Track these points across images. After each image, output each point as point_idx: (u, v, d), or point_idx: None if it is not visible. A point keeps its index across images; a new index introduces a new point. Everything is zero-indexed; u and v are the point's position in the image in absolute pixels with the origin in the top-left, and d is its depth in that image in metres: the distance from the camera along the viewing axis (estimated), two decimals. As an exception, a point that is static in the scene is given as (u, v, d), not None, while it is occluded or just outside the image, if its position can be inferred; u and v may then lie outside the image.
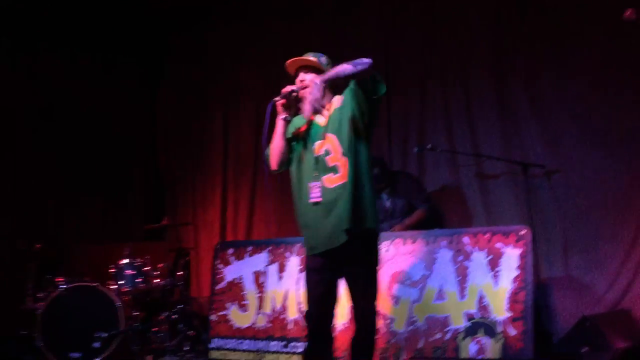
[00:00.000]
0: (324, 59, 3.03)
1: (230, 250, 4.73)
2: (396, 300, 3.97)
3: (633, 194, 4.18)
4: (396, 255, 4.06)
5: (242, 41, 6.15)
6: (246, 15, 6.13)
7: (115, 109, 6.15)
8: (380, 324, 3.90)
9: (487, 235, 3.81)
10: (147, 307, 5.00)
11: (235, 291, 4.59)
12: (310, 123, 3.05)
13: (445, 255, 3.89)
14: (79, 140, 5.91)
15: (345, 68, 2.75)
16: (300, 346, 3.07)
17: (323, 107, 2.95)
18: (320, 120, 3.02)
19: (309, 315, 3.01)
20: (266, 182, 5.40)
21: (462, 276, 3.80)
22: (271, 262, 4.48)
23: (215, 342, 4.52)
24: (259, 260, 4.52)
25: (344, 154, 2.89)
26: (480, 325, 3.66)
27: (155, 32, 6.55)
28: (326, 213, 2.89)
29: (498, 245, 3.75)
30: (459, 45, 4.99)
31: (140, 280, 4.77)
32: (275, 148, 3.02)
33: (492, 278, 3.71)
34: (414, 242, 4.03)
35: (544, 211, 4.52)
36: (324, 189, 2.90)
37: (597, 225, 4.33)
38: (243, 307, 4.51)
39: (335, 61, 2.94)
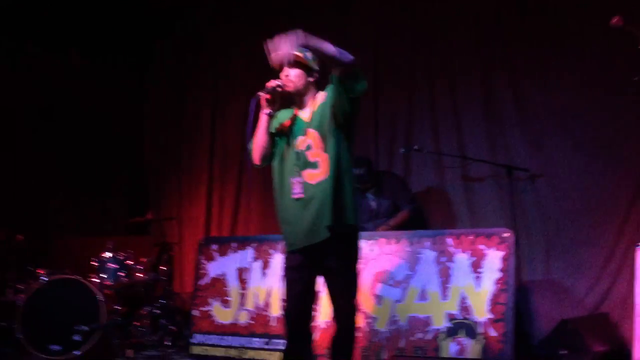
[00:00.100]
0: (309, 54, 2.98)
1: (215, 246, 4.72)
2: (379, 299, 3.98)
3: (614, 199, 4.23)
4: (380, 254, 4.07)
5: (231, 38, 6.14)
6: (236, 12, 6.11)
7: (100, 102, 6.11)
8: (362, 322, 3.92)
9: (471, 237, 3.84)
10: (129, 301, 4.98)
11: (218, 287, 4.58)
12: (294, 118, 3.04)
13: (428, 255, 3.92)
14: (63, 133, 5.87)
15: (328, 46, 2.71)
16: (282, 343, 3.08)
17: (300, 96, 2.97)
18: (304, 115, 3.01)
19: (287, 314, 3.01)
20: (247, 175, 5.35)
21: (445, 277, 3.83)
22: (255, 259, 4.48)
23: (197, 338, 4.51)
24: (243, 256, 4.52)
25: (324, 150, 2.89)
26: (462, 325, 3.69)
27: (143, 29, 6.51)
28: (306, 209, 2.89)
29: (481, 247, 3.78)
30: (447, 48, 5.02)
31: (123, 274, 4.75)
32: (258, 142, 3.01)
33: (475, 279, 3.74)
34: (397, 242, 4.05)
35: (526, 214, 4.56)
36: (305, 185, 2.89)
37: (578, 229, 4.38)
38: (226, 303, 4.51)
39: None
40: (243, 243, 4.60)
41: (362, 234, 4.23)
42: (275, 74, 3.05)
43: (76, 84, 5.88)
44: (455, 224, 4.83)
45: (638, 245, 3.51)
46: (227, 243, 4.71)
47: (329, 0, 5.65)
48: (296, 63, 2.99)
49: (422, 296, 3.87)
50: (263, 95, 2.94)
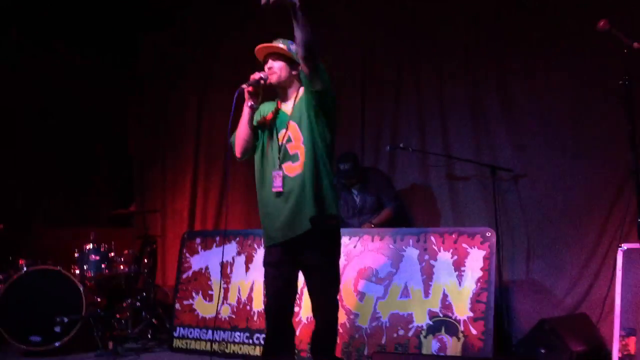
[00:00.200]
0: (294, 47, 2.97)
1: (198, 240, 4.71)
2: (361, 296, 4.00)
3: (596, 201, 4.28)
4: (364, 251, 4.09)
5: (219, 30, 6.11)
6: (224, 4, 6.08)
7: (83, 94, 6.06)
8: (344, 318, 3.93)
9: (454, 236, 3.87)
10: (110, 293, 4.95)
11: (201, 281, 4.57)
12: (277, 111, 3.04)
13: (412, 253, 3.94)
14: (46, 123, 5.81)
15: (310, 31, 2.69)
16: (264, 338, 3.11)
17: (284, 89, 2.97)
18: (286, 108, 3.01)
19: (267, 310, 3.02)
20: (226, 169, 5.32)
21: (428, 275, 3.85)
22: (239, 253, 4.47)
23: (179, 331, 4.50)
24: (227, 250, 4.51)
25: (303, 142, 2.89)
26: (443, 323, 3.72)
27: (128, 23, 6.45)
28: (286, 202, 2.89)
29: (464, 245, 3.81)
30: (435, 48, 5.03)
31: (104, 266, 4.72)
32: (240, 135, 3.00)
33: (457, 278, 3.77)
34: (381, 239, 4.07)
35: (509, 214, 4.60)
36: (285, 178, 2.90)
37: (559, 230, 4.42)
38: (208, 297, 4.50)
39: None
40: (227, 237, 4.59)
41: (347, 230, 4.29)
42: (260, 67, 3.04)
43: (62, 76, 5.81)
44: (439, 223, 4.86)
45: (620, 247, 3.56)
46: (211, 237, 4.70)
47: (315, 2, 5.63)
48: (280, 56, 2.98)
49: (405, 293, 3.89)
50: (246, 88, 2.93)
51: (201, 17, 6.25)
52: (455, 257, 3.81)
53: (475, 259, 3.75)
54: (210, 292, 4.50)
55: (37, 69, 5.72)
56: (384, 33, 5.30)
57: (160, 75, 6.47)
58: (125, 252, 4.93)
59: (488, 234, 3.78)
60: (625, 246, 3.56)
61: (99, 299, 4.70)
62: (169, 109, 6.39)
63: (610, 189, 4.22)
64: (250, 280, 4.36)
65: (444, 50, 5.00)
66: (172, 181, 6.29)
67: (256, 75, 2.95)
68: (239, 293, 4.37)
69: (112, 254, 4.81)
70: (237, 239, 4.52)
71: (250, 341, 4.21)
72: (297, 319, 4.01)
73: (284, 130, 2.96)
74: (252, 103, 2.97)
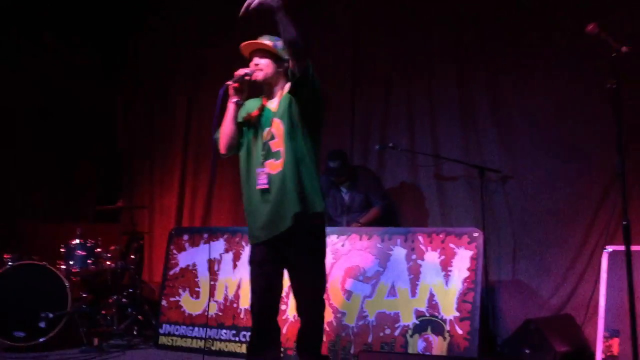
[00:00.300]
0: (280, 44, 2.95)
1: (186, 236, 4.69)
2: (348, 294, 4.00)
3: (582, 202, 4.32)
4: (351, 250, 4.09)
5: (209, 27, 6.09)
6: (213, 3, 6.06)
7: (71, 88, 6.02)
8: (331, 317, 3.94)
9: (441, 236, 3.88)
10: (96, 289, 4.92)
11: (188, 277, 4.56)
12: (262, 108, 3.02)
13: (399, 253, 3.95)
14: (34, 117, 5.76)
15: (292, 29, 2.70)
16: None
17: (271, 87, 2.96)
18: (272, 105, 3.00)
19: (252, 308, 3.01)
20: (213, 166, 5.30)
21: (415, 274, 3.86)
22: (226, 250, 4.46)
23: (165, 328, 4.48)
24: (214, 247, 4.50)
25: (285, 140, 2.88)
26: (429, 323, 3.73)
27: (119, 18, 6.42)
28: (269, 200, 2.88)
29: (451, 245, 3.82)
30: (425, 49, 5.05)
31: (90, 261, 4.69)
32: (225, 131, 2.98)
33: (444, 278, 3.79)
34: (369, 238, 4.08)
35: (496, 215, 4.63)
36: (269, 175, 2.88)
37: (546, 231, 4.46)
38: (195, 294, 4.48)
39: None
40: (215, 234, 4.58)
41: (335, 228, 4.30)
42: (247, 63, 3.03)
43: (50, 70, 5.77)
44: (426, 222, 4.88)
45: (606, 249, 3.59)
46: (199, 233, 4.69)
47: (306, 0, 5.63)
48: (265, 52, 2.96)
49: (392, 292, 3.90)
50: (231, 84, 2.92)
51: (191, 16, 6.22)
52: (443, 257, 3.82)
53: (462, 259, 3.76)
54: (197, 289, 4.49)
55: (37, 69, 5.69)
56: (374, 33, 5.31)
57: (149, 74, 6.43)
58: (112, 247, 4.91)
59: (475, 234, 3.79)
60: (610, 248, 3.60)
61: (84, 295, 4.67)
62: (158, 106, 6.36)
63: (597, 191, 4.25)
64: (237, 278, 4.35)
65: (434, 51, 5.01)
66: (160, 178, 6.26)
67: (241, 72, 2.92)
68: (226, 290, 4.37)
69: (99, 249, 4.78)
70: (225, 236, 4.51)
71: (237, 339, 4.20)
72: (283, 317, 4.01)
73: (269, 128, 2.95)
74: (237, 99, 2.96)
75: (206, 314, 4.35)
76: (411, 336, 3.75)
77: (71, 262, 4.64)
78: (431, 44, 5.03)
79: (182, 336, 4.41)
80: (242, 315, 4.24)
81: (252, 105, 3.07)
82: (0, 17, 5.56)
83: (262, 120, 2.99)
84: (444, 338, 3.67)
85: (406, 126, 5.09)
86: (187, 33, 6.23)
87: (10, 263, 4.38)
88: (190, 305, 4.47)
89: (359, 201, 4.77)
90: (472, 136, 4.81)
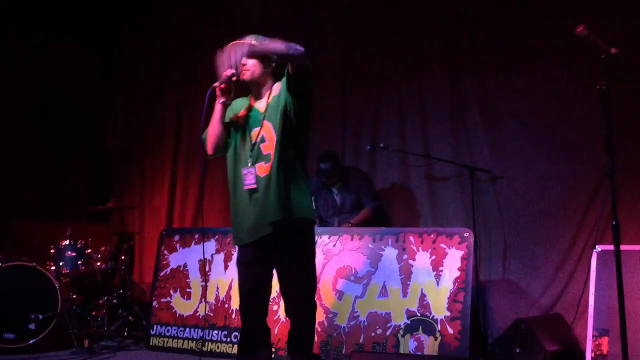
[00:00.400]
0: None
1: (177, 237, 4.68)
2: (340, 295, 4.01)
3: (572, 202, 4.34)
4: (343, 250, 4.10)
5: (200, 27, 6.08)
6: (204, 3, 6.06)
7: (63, 89, 5.98)
8: (322, 317, 3.94)
9: (432, 236, 3.90)
10: (86, 290, 4.90)
11: (179, 278, 4.54)
12: (250, 109, 3.01)
13: (390, 253, 3.96)
14: (24, 118, 5.73)
15: (276, 45, 2.71)
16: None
17: (258, 87, 2.96)
18: (259, 106, 2.98)
19: (241, 309, 3.01)
20: (204, 166, 5.29)
21: (406, 274, 3.87)
22: (218, 251, 4.45)
23: (156, 329, 4.47)
24: (206, 248, 4.48)
25: (276, 143, 2.87)
26: (420, 322, 3.74)
27: (110, 18, 6.40)
28: (255, 202, 2.87)
29: (442, 246, 3.84)
30: (416, 49, 5.06)
31: (81, 262, 4.68)
32: (212, 132, 2.97)
33: (435, 278, 3.80)
34: (360, 238, 4.08)
35: (487, 215, 4.65)
36: (257, 177, 2.87)
37: (536, 231, 4.48)
38: (186, 294, 4.47)
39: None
40: (206, 234, 4.57)
41: (326, 229, 4.30)
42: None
43: (41, 67, 5.74)
44: (417, 223, 4.90)
45: (594, 249, 3.62)
46: (190, 234, 4.68)
47: (297, 0, 5.64)
48: (253, 52, 2.96)
49: (383, 293, 3.90)
50: (218, 86, 2.91)
51: (182, 18, 6.21)
52: (434, 257, 3.84)
53: (453, 259, 3.78)
54: (188, 289, 4.48)
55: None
56: (365, 33, 5.32)
57: (140, 74, 6.41)
58: (102, 248, 4.90)
59: (466, 234, 3.81)
60: (599, 248, 3.62)
61: (74, 296, 4.66)
62: (148, 107, 6.34)
63: (586, 191, 4.28)
64: (228, 278, 4.34)
65: (425, 51, 5.02)
66: (150, 178, 6.25)
67: (228, 72, 2.91)
68: (217, 291, 4.36)
69: (89, 250, 4.77)
70: (216, 236, 4.50)
71: (228, 339, 4.19)
72: (275, 317, 4.01)
73: (257, 129, 2.94)
74: (224, 100, 2.95)
75: (202, 315, 4.34)
76: (402, 336, 3.76)
77: (61, 263, 4.62)
78: (422, 45, 5.04)
79: (174, 337, 4.39)
80: (233, 316, 4.23)
81: (239, 105, 3.05)
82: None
83: (250, 120, 2.98)
84: (435, 338, 3.68)
85: (397, 126, 5.10)
86: (178, 34, 6.22)
87: (-1, 264, 4.36)
88: (182, 306, 4.46)
89: (350, 202, 4.77)
90: (463, 136, 4.83)
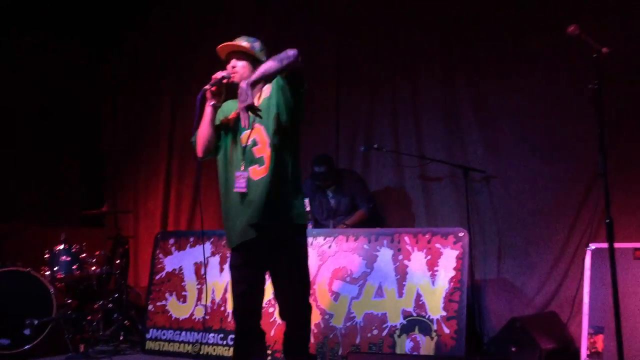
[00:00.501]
0: (257, 45, 2.95)
1: (172, 240, 4.68)
2: (336, 296, 4.01)
3: (565, 201, 4.36)
4: (338, 252, 4.10)
5: (194, 29, 6.07)
6: (200, 4, 6.05)
7: (58, 93, 5.96)
8: (318, 318, 3.95)
9: (427, 236, 3.91)
10: (81, 294, 4.88)
11: (174, 282, 4.54)
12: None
13: (386, 253, 3.97)
14: (17, 122, 5.71)
15: (270, 66, 2.69)
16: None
17: (253, 103, 2.92)
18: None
19: (234, 312, 3.00)
20: (198, 169, 5.29)
21: (401, 275, 3.88)
22: (213, 254, 4.45)
23: (152, 333, 4.46)
24: (201, 251, 4.48)
25: (269, 146, 2.85)
26: (416, 323, 3.75)
27: (107, 22, 6.38)
28: (246, 206, 2.85)
29: (437, 246, 3.85)
30: (409, 50, 5.08)
31: (75, 267, 4.66)
32: (202, 135, 2.95)
33: (430, 278, 3.81)
34: (356, 239, 4.09)
35: (481, 215, 4.67)
36: (249, 181, 2.85)
37: (530, 230, 4.50)
38: (182, 298, 4.47)
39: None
40: (201, 237, 4.56)
41: (321, 230, 4.31)
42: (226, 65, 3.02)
43: (40, 67, 5.73)
44: (412, 223, 4.91)
45: (588, 247, 3.64)
46: (185, 237, 4.67)
47: (290, 1, 5.64)
48: (242, 54, 2.94)
49: (379, 293, 3.91)
50: (209, 88, 2.91)
51: (176, 20, 6.20)
52: (429, 257, 3.85)
53: (448, 259, 3.79)
54: (184, 293, 4.47)
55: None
56: (358, 35, 5.33)
57: (134, 76, 6.40)
58: (97, 252, 4.88)
59: (461, 234, 3.82)
60: (593, 246, 3.64)
61: (69, 301, 4.64)
62: (142, 110, 6.33)
63: (580, 190, 4.30)
64: (224, 281, 4.34)
65: (418, 51, 5.04)
66: (144, 182, 6.23)
67: (218, 75, 2.90)
68: (213, 294, 4.35)
69: (84, 254, 4.76)
70: (212, 239, 4.50)
71: (224, 342, 4.19)
72: (271, 320, 4.01)
73: (247, 132, 2.92)
74: (214, 102, 2.94)
75: (201, 317, 4.34)
76: (399, 336, 3.77)
77: (56, 268, 4.60)
78: (415, 45, 5.06)
79: (169, 341, 4.39)
80: (229, 319, 4.22)
81: (229, 108, 3.04)
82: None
83: (240, 123, 2.97)
84: (431, 338, 3.69)
85: (391, 127, 5.11)
86: (172, 36, 6.21)
87: (-6, 270, 4.34)
88: (177, 310, 4.45)
89: (345, 204, 4.78)
90: (456, 136, 4.85)
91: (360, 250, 4.04)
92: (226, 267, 4.34)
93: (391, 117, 5.12)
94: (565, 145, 4.38)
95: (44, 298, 4.31)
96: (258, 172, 2.85)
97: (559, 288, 4.31)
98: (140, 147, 6.29)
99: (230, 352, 4.11)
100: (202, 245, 4.51)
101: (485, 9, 4.74)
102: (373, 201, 4.90)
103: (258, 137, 2.89)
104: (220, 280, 4.36)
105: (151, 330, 4.47)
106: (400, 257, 3.92)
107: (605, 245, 2.91)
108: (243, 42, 2.97)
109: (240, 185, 2.86)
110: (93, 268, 4.78)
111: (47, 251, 4.67)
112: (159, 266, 4.63)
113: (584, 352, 3.48)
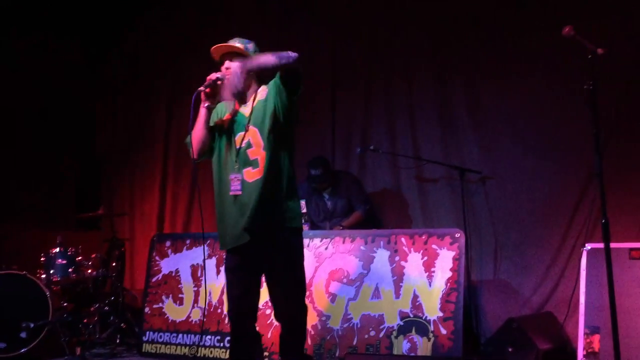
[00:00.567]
0: (251, 46, 2.95)
1: (168, 243, 4.67)
2: (333, 297, 4.01)
3: (561, 202, 4.38)
4: (335, 253, 4.11)
5: (190, 30, 6.06)
6: (195, 5, 6.05)
7: (52, 95, 5.95)
8: (315, 320, 3.95)
9: (424, 237, 3.91)
10: (77, 297, 4.86)
11: (171, 284, 4.53)
12: (235, 113, 2.99)
13: (382, 255, 3.97)
14: (13, 125, 5.69)
15: (267, 59, 2.69)
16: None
17: (243, 94, 2.92)
18: (245, 110, 2.96)
19: (230, 315, 3.00)
20: (194, 171, 5.27)
21: (398, 276, 3.89)
22: (210, 256, 4.44)
23: (149, 336, 4.45)
24: (197, 253, 4.48)
25: (264, 148, 2.85)
26: (413, 323, 3.76)
27: (108, 12, 6.37)
28: (240, 208, 2.84)
29: (434, 247, 3.86)
30: (404, 52, 5.09)
31: (71, 270, 4.64)
32: (197, 136, 2.96)
33: (427, 278, 3.81)
34: (352, 241, 4.09)
35: (477, 215, 4.68)
36: (244, 183, 2.85)
37: (526, 231, 4.51)
38: (179, 300, 4.46)
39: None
40: (197, 240, 4.56)
41: (318, 232, 4.31)
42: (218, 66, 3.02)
43: (40, 67, 5.73)
44: (409, 224, 4.92)
45: (584, 247, 3.65)
46: (181, 239, 4.66)
47: (288, 2, 5.64)
48: (236, 55, 2.94)
49: (376, 294, 3.91)
50: (203, 90, 2.91)
51: (172, 22, 6.19)
52: (425, 258, 3.85)
53: (445, 260, 3.80)
54: (180, 295, 4.47)
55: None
56: (353, 38, 5.34)
57: (133, 77, 6.38)
58: (93, 255, 4.87)
59: (457, 235, 3.83)
60: (589, 246, 3.65)
61: (65, 304, 4.62)
62: (137, 112, 6.31)
63: (575, 190, 4.32)
64: (221, 283, 4.33)
65: (413, 52, 5.05)
66: (140, 184, 6.22)
67: (212, 76, 2.90)
68: (209, 296, 4.35)
69: (80, 257, 4.75)
70: (208, 241, 4.49)
71: (221, 344, 4.18)
72: (268, 322, 4.01)
73: (242, 133, 2.91)
74: (209, 104, 2.94)
75: (199, 320, 4.33)
76: (396, 337, 3.77)
77: (52, 271, 4.59)
78: (410, 47, 5.07)
79: (166, 343, 4.38)
80: (226, 321, 4.21)
81: (223, 109, 3.04)
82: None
83: (235, 125, 2.96)
84: (429, 338, 3.70)
85: (386, 128, 5.12)
86: (172, 36, 6.19)
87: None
88: (174, 312, 4.44)
89: (341, 206, 4.78)
90: (452, 137, 4.86)
91: (357, 251, 4.05)
92: (223, 269, 4.33)
93: (387, 119, 5.13)
94: (561, 146, 4.39)
95: (40, 301, 4.29)
96: (252, 175, 2.85)
97: (555, 288, 4.33)
98: (136, 149, 6.27)
99: (227, 355, 4.11)
100: (198, 248, 4.50)
101: (481, 9, 4.75)
102: (369, 202, 4.90)
103: (253, 139, 2.88)
104: (217, 283, 4.36)
105: (148, 332, 4.46)
106: (397, 258, 3.92)
107: (601, 245, 2.91)
108: (237, 43, 2.97)
109: (235, 187, 2.86)
110: (89, 271, 4.76)
111: (42, 254, 4.65)
112: (155, 269, 4.62)
113: (580, 352, 3.49)
